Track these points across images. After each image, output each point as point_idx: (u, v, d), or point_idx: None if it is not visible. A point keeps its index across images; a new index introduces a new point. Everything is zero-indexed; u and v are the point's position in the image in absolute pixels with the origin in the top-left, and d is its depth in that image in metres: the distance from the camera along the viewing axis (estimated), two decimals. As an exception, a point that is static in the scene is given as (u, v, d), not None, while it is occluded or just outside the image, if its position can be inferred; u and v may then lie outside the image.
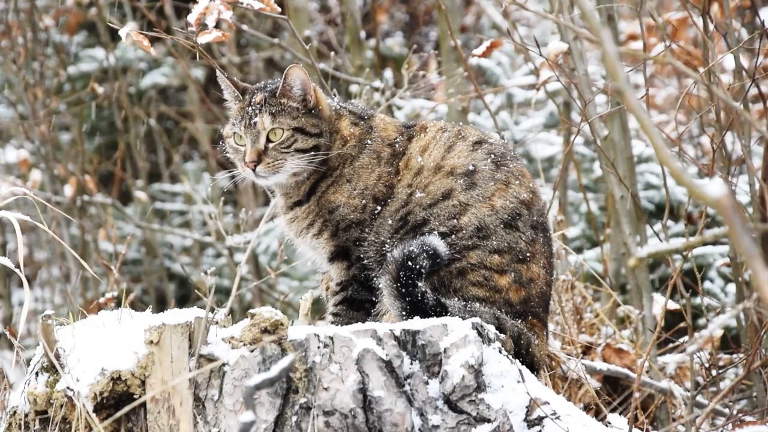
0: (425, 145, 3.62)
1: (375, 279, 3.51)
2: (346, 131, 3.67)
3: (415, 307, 3.27)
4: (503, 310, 3.41)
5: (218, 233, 7.00)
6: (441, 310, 3.28)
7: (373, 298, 3.53)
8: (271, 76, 8.08)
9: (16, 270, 3.21)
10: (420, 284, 3.28)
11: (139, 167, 7.83)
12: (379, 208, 3.56)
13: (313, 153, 3.58)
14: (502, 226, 3.43)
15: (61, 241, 3.59)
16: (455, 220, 3.43)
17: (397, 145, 3.67)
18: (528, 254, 3.44)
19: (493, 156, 3.54)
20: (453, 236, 3.41)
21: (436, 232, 3.41)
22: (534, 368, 3.42)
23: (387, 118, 3.80)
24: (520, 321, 3.43)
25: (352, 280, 3.58)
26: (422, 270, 3.29)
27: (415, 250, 3.29)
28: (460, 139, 3.59)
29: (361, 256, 3.55)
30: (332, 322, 3.57)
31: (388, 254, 3.37)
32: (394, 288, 3.30)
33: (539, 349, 3.46)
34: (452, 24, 5.31)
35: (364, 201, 3.57)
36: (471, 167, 3.50)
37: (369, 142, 3.66)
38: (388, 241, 3.48)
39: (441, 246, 3.34)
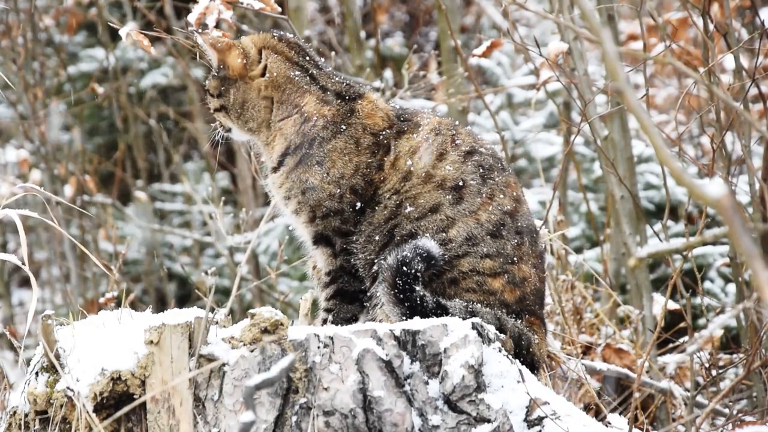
0: (415, 147, 3.51)
1: (360, 273, 3.49)
2: (308, 108, 3.56)
3: (414, 311, 3.25)
4: (502, 310, 3.40)
5: (218, 233, 7.00)
6: (441, 312, 3.27)
7: (364, 287, 3.49)
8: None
9: (23, 267, 3.20)
10: (417, 288, 3.26)
11: (139, 167, 7.83)
12: (359, 203, 3.48)
13: (224, 114, 3.71)
14: (489, 237, 3.42)
15: (69, 236, 3.59)
16: (444, 234, 3.39)
17: (381, 137, 3.54)
18: (515, 257, 3.43)
19: (481, 169, 3.47)
20: (443, 248, 3.38)
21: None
22: (534, 367, 3.42)
23: (379, 102, 3.64)
24: (519, 321, 3.43)
25: (340, 271, 3.53)
26: (418, 273, 3.26)
27: (409, 254, 3.27)
28: (453, 148, 3.49)
29: (352, 261, 3.51)
30: (325, 319, 3.55)
31: (382, 262, 3.33)
32: (392, 295, 3.27)
33: (539, 347, 3.45)
34: (452, 24, 5.31)
35: (340, 190, 3.48)
36: (460, 182, 3.44)
37: (344, 127, 3.54)
38: (376, 259, 3.42)
39: (434, 247, 3.31)
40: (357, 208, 3.50)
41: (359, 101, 3.60)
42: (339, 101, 3.59)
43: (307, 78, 3.61)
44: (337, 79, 3.66)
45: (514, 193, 3.51)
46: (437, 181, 3.45)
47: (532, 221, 3.55)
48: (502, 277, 3.40)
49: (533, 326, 3.47)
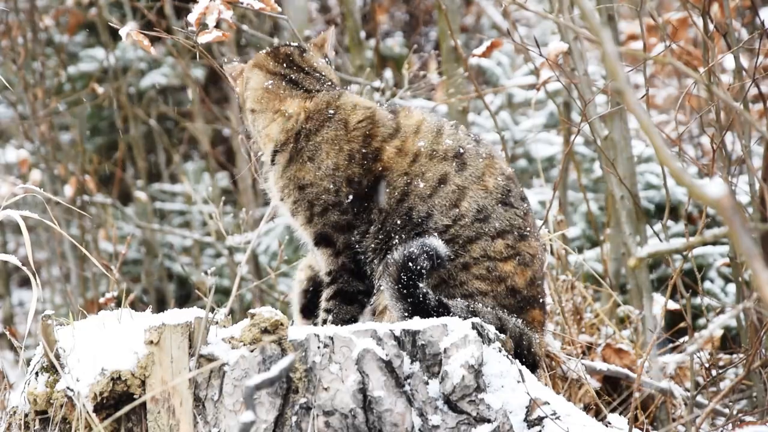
0: (418, 125, 3.55)
1: (366, 267, 3.49)
2: (290, 109, 3.61)
3: (416, 308, 3.26)
4: (508, 301, 3.39)
5: (218, 233, 7.00)
6: (443, 311, 3.27)
7: (365, 288, 3.50)
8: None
9: (24, 267, 3.21)
10: (421, 285, 3.27)
11: (139, 167, 7.83)
12: (352, 195, 3.49)
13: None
14: (500, 206, 3.44)
15: (69, 237, 3.60)
16: (456, 209, 3.42)
17: (370, 124, 3.56)
18: (527, 230, 3.46)
19: (470, 135, 3.57)
20: (456, 226, 3.40)
21: (439, 225, 3.40)
22: (535, 366, 3.42)
23: (358, 99, 3.66)
24: (527, 309, 3.42)
25: (341, 270, 3.53)
26: (423, 271, 3.27)
27: (416, 251, 3.28)
28: (443, 122, 3.58)
29: (360, 258, 3.52)
30: (325, 320, 3.55)
31: (389, 256, 3.35)
32: (396, 290, 3.28)
33: (540, 345, 3.46)
34: (452, 24, 5.31)
35: (334, 185, 3.50)
36: (460, 149, 3.49)
37: (332, 112, 3.57)
38: (396, 237, 3.44)
39: (441, 246, 3.32)
40: (350, 199, 3.50)
41: (341, 98, 3.64)
42: (323, 94, 3.63)
43: (284, 83, 3.66)
44: (323, 81, 3.69)
45: (502, 157, 3.61)
46: (441, 154, 3.49)
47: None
48: (513, 260, 3.42)
49: (534, 322, 3.46)
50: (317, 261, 3.63)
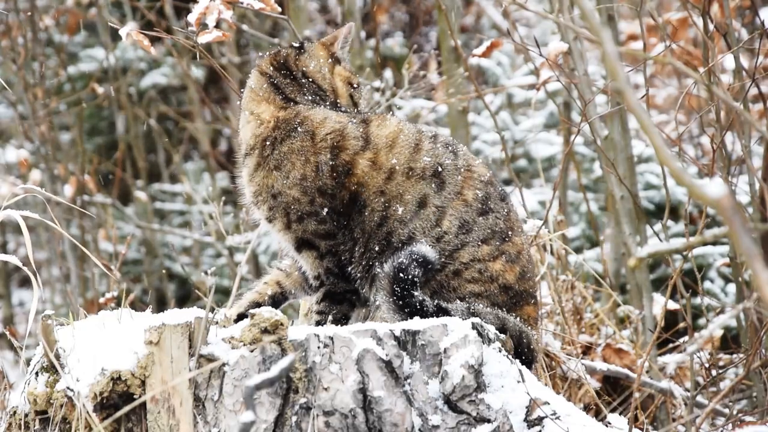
0: (393, 137, 3.47)
1: (361, 279, 3.46)
2: (264, 115, 3.54)
3: (414, 317, 3.25)
4: (501, 299, 3.38)
5: (218, 233, 7.00)
6: (442, 315, 3.25)
7: (352, 288, 3.47)
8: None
9: (24, 267, 3.21)
10: (416, 293, 3.25)
11: (139, 167, 7.83)
12: (327, 208, 3.44)
13: None
14: (480, 217, 3.42)
15: (70, 236, 3.59)
16: (439, 228, 3.38)
17: (337, 132, 3.47)
18: (509, 230, 3.43)
19: (449, 146, 3.49)
20: (441, 243, 3.37)
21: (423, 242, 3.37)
22: (533, 362, 3.42)
23: (329, 113, 3.56)
24: (521, 305, 3.42)
25: (327, 274, 3.50)
26: (415, 279, 3.24)
27: (405, 261, 3.25)
28: (422, 135, 3.48)
29: (348, 269, 3.47)
30: (318, 321, 3.52)
31: (379, 270, 3.32)
32: (392, 302, 3.25)
33: (537, 341, 3.46)
34: (452, 24, 5.31)
35: (305, 195, 3.44)
36: (438, 167, 3.42)
37: (299, 127, 3.49)
38: (377, 263, 3.39)
39: (429, 252, 3.30)
40: (327, 211, 3.44)
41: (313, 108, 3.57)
42: (300, 106, 3.56)
43: (266, 85, 3.59)
44: (308, 90, 3.61)
45: (479, 161, 3.54)
46: (419, 173, 3.43)
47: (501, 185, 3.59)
48: (501, 258, 3.40)
49: (529, 319, 3.46)
50: (303, 266, 3.59)
